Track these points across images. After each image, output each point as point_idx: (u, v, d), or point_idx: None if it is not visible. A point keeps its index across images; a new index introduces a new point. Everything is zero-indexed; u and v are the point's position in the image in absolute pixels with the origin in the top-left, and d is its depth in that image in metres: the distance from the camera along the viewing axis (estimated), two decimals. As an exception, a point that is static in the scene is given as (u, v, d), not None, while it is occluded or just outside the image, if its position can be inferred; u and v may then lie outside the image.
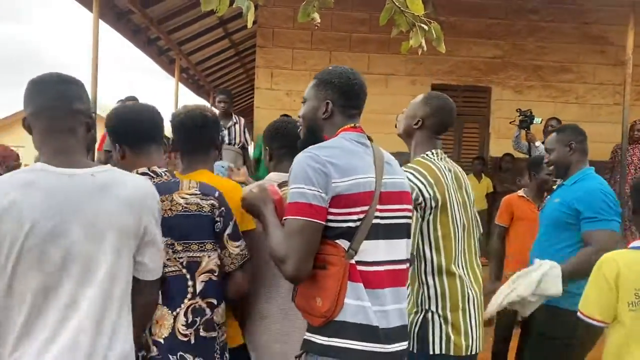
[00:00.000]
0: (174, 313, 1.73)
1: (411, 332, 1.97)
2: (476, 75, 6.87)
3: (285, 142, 2.20)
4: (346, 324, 1.53)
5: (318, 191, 1.52)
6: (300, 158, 1.59)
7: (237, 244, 1.87)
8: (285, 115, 6.31)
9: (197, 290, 1.77)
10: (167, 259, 1.72)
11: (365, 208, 1.56)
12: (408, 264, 1.70)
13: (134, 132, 1.87)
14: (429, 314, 1.98)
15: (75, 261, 1.41)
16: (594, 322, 1.98)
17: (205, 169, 2.07)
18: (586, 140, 2.65)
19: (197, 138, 2.06)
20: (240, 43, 9.75)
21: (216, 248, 1.83)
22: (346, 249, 1.55)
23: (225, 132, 6.22)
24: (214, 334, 1.81)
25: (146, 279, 1.59)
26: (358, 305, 1.53)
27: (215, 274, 1.81)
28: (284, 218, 1.59)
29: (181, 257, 1.76)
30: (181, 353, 1.71)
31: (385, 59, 6.43)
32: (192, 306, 1.76)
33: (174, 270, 1.75)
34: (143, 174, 1.82)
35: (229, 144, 6.15)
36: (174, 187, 1.80)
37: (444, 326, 1.97)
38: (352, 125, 1.70)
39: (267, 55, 6.58)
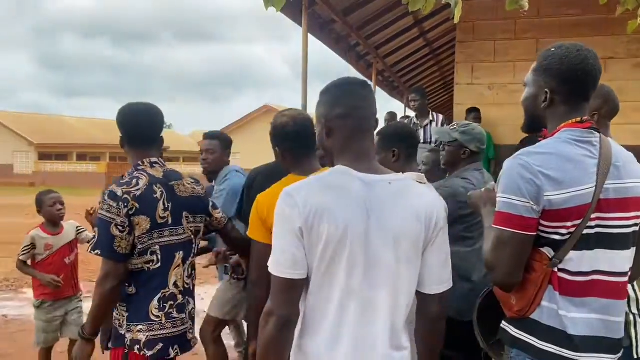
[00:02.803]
0: (183, 268, 2.28)
1: None
2: None
3: (413, 142, 2.33)
4: (539, 324, 1.52)
5: (529, 203, 1.47)
6: (511, 165, 1.51)
7: (218, 210, 2.52)
8: (473, 108, 6.12)
9: (195, 251, 2.39)
10: (186, 227, 2.29)
11: (577, 222, 1.47)
12: (627, 277, 1.55)
13: (142, 133, 2.28)
14: (631, 317, 1.89)
15: (375, 267, 1.44)
16: None
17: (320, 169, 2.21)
18: None
19: (309, 142, 2.20)
20: (434, 41, 9.69)
21: (206, 222, 2.44)
22: (550, 257, 1.49)
23: (421, 130, 6.23)
24: (194, 282, 2.42)
25: (427, 292, 1.53)
26: (553, 309, 1.51)
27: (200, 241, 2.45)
28: (492, 226, 1.55)
29: (191, 227, 2.32)
30: (188, 298, 2.33)
31: (602, 41, 5.80)
32: (192, 263, 2.36)
33: (188, 236, 2.31)
34: (155, 163, 2.28)
35: (424, 142, 6.15)
36: (179, 176, 2.36)
37: None
38: (578, 119, 1.53)
39: (467, 49, 6.42)
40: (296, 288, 1.45)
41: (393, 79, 11.76)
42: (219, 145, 3.57)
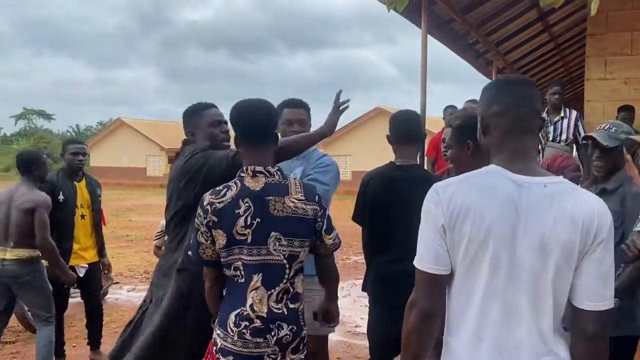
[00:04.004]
0: (269, 292, 2.04)
1: None
2: None
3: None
4: None
5: None
6: None
7: (331, 236, 2.18)
8: (625, 106, 5.65)
9: (290, 276, 2.08)
10: (274, 249, 2.04)
11: None
12: None
13: (250, 129, 2.08)
14: None
15: (519, 270, 1.40)
16: None
17: None
18: None
19: None
20: (560, 35, 9.16)
21: (311, 244, 2.13)
22: None
23: (551, 127, 5.90)
24: (297, 304, 2.12)
25: (579, 307, 1.42)
26: None
27: (302, 263, 2.14)
28: None
29: (285, 251, 2.05)
30: (278, 323, 2.04)
31: None
32: (284, 288, 2.07)
33: (277, 260, 2.05)
34: (259, 172, 2.06)
35: (553, 140, 5.83)
36: (284, 191, 2.07)
37: None
38: None
39: (599, 42, 6.02)
40: (438, 282, 1.46)
41: (513, 77, 11.30)
42: (306, 114, 2.93)
